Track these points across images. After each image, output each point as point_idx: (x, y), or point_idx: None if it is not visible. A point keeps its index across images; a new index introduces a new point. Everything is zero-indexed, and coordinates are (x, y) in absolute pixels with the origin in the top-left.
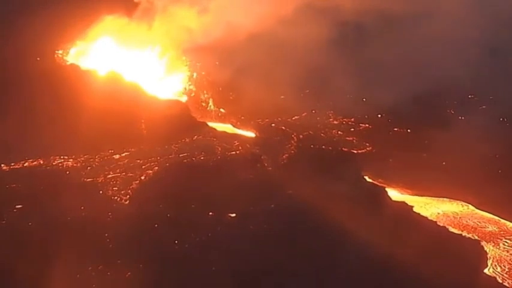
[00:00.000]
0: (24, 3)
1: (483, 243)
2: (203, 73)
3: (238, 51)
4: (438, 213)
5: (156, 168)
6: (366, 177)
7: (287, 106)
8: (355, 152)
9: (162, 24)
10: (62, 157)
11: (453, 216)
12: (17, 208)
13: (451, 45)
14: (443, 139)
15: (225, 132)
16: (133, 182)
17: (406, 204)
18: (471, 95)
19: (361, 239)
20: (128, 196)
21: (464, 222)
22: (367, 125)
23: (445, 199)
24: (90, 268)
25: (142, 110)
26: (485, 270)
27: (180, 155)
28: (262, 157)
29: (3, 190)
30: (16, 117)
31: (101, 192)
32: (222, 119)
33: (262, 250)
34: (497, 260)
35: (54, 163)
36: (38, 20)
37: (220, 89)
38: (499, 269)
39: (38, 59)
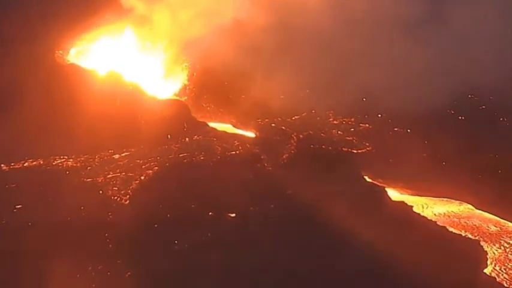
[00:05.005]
0: (25, 3)
1: (483, 243)
2: (203, 73)
3: (238, 50)
4: (438, 213)
5: (156, 168)
6: (366, 177)
7: (287, 106)
8: (355, 152)
9: (163, 24)
10: (62, 157)
11: (453, 216)
12: (17, 208)
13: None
14: (443, 139)
15: (225, 132)
16: (133, 182)
17: (406, 204)
18: (471, 94)
19: (361, 238)
20: (128, 196)
21: (464, 222)
22: (367, 125)
23: (445, 199)
24: (90, 268)
25: (142, 110)
26: (485, 270)
27: (180, 155)
28: (262, 157)
29: (3, 190)
30: (16, 117)
31: (101, 192)
32: (222, 119)
33: (262, 250)
34: (497, 260)
35: (54, 163)
36: (38, 20)
37: (221, 89)
38: (499, 269)
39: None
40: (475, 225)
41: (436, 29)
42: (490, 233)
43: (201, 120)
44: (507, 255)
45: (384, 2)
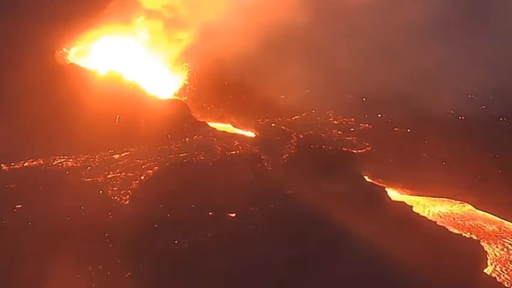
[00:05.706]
0: (25, 3)
1: (483, 243)
2: (203, 73)
3: (238, 50)
4: (438, 213)
5: (156, 168)
6: (366, 177)
7: (287, 106)
8: (355, 152)
9: (163, 23)
10: (62, 157)
11: (453, 216)
12: (17, 208)
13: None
14: (443, 139)
15: (225, 132)
16: (134, 182)
17: (406, 204)
18: (471, 94)
19: (361, 238)
20: (128, 196)
21: (464, 222)
22: (367, 125)
23: (445, 199)
24: (90, 268)
25: (142, 110)
26: (485, 270)
27: (180, 155)
28: (262, 157)
29: (3, 190)
30: (16, 117)
31: (101, 192)
32: (222, 119)
33: (261, 250)
34: (497, 260)
35: (54, 163)
36: (38, 20)
37: (221, 89)
38: (499, 269)
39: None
40: (475, 225)
41: (440, 30)
42: (490, 233)
43: (201, 120)
44: (508, 256)
45: (386, 6)
